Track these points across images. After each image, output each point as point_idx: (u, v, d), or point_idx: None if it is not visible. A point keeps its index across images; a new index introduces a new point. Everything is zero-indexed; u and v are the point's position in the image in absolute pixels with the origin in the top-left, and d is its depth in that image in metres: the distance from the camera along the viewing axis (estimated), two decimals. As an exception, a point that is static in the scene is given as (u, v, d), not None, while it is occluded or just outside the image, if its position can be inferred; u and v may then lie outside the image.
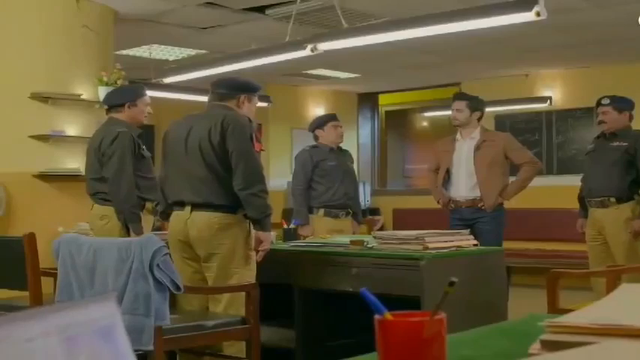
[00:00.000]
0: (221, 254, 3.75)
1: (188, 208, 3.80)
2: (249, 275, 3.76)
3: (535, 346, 1.11)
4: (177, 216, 3.85)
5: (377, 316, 0.98)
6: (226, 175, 3.76)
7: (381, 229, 9.94)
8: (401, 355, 0.96)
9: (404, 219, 10.55)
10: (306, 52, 4.64)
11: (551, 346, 1.09)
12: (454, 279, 0.98)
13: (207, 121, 3.85)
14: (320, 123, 5.88)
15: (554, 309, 3.24)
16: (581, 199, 5.70)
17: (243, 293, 3.60)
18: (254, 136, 3.87)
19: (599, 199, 5.45)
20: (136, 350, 2.87)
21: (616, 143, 5.45)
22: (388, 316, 0.98)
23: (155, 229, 4.84)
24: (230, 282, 3.74)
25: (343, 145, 6.09)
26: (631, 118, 5.57)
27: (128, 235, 4.40)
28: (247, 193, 3.69)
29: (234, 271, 3.75)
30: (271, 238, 3.93)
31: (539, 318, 1.24)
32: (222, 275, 3.77)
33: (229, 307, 3.73)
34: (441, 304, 0.97)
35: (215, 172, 3.77)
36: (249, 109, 4.00)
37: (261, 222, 3.76)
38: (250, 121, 3.93)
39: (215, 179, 3.77)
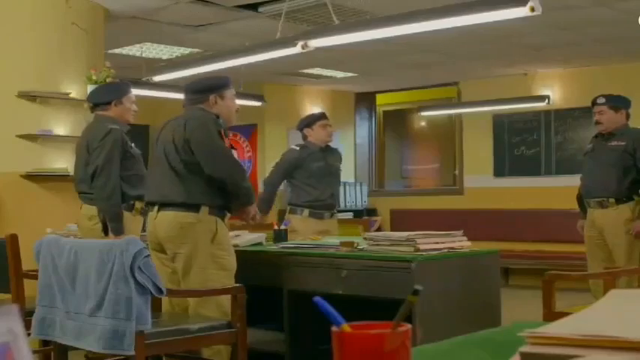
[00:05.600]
0: (184, 253, 3.73)
1: (156, 208, 3.83)
2: (222, 275, 3.69)
3: (514, 359, 1.02)
4: (149, 216, 3.90)
5: (334, 328, 0.88)
6: (189, 175, 3.77)
7: (379, 230, 9.86)
8: (360, 371, 0.87)
9: (402, 220, 10.48)
10: (296, 50, 4.56)
11: (531, 359, 1.00)
12: (418, 287, 0.88)
13: (175, 125, 3.89)
14: (309, 122, 5.79)
15: (551, 312, 3.16)
16: (580, 200, 5.62)
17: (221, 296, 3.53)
18: (222, 132, 3.83)
19: (598, 199, 5.37)
20: (117, 355, 2.76)
21: (614, 143, 5.37)
22: (346, 327, 0.88)
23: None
24: (194, 282, 3.68)
25: (341, 145, 6.00)
26: (628, 116, 5.47)
27: (107, 235, 4.31)
28: (230, 188, 3.78)
29: (199, 270, 3.70)
30: (253, 211, 3.97)
31: (522, 326, 1.14)
32: (186, 274, 3.73)
33: (199, 306, 3.68)
34: (404, 315, 0.88)
35: (177, 172, 3.78)
36: (223, 106, 3.97)
37: (247, 204, 3.90)
38: (217, 117, 3.90)
39: (177, 178, 3.78)
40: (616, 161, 5.31)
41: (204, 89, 3.98)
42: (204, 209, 3.73)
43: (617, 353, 0.92)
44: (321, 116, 5.85)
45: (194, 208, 3.73)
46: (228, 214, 3.89)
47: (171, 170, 3.78)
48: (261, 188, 8.55)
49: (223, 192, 3.82)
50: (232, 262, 3.78)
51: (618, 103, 5.45)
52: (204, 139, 3.76)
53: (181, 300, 3.85)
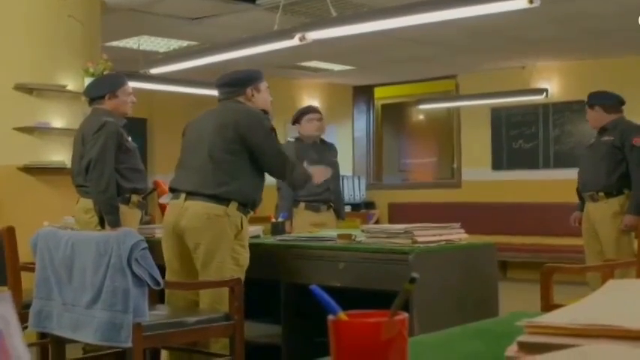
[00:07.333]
0: (205, 244, 3.69)
1: (183, 197, 3.78)
2: (236, 271, 3.67)
3: (512, 349, 1.01)
4: (173, 205, 3.84)
5: (330, 317, 0.88)
6: (226, 167, 3.74)
7: (377, 223, 9.86)
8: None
9: (400, 213, 10.47)
10: (294, 42, 4.54)
11: (529, 348, 0.99)
12: (415, 275, 0.87)
13: (219, 115, 3.87)
14: (296, 117, 5.79)
15: (548, 305, 3.16)
16: (579, 193, 5.66)
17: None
18: (274, 128, 3.89)
19: (590, 193, 5.43)
20: (114, 347, 2.75)
21: (605, 137, 5.42)
22: (342, 316, 0.88)
23: (144, 223, 4.76)
24: (213, 275, 3.66)
25: (336, 139, 5.96)
26: (611, 109, 5.46)
27: (103, 227, 4.29)
28: (285, 180, 4.08)
29: (218, 264, 3.68)
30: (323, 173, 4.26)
31: (519, 317, 1.14)
32: (205, 266, 3.71)
33: (215, 301, 3.65)
34: (401, 303, 0.87)
35: (215, 163, 3.75)
36: (260, 98, 3.98)
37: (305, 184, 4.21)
38: (266, 112, 3.94)
39: (212, 169, 3.74)
40: (605, 155, 5.35)
41: (240, 82, 3.96)
42: (234, 204, 3.72)
43: (615, 342, 0.92)
44: (307, 111, 5.83)
45: (224, 201, 3.71)
46: (251, 212, 3.88)
47: (210, 162, 3.75)
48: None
49: (254, 190, 3.84)
50: (247, 259, 3.78)
51: (592, 100, 5.53)
52: (259, 135, 3.79)
53: (190, 294, 3.83)
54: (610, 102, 5.48)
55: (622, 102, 5.52)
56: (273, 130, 3.85)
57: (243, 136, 3.75)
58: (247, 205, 3.79)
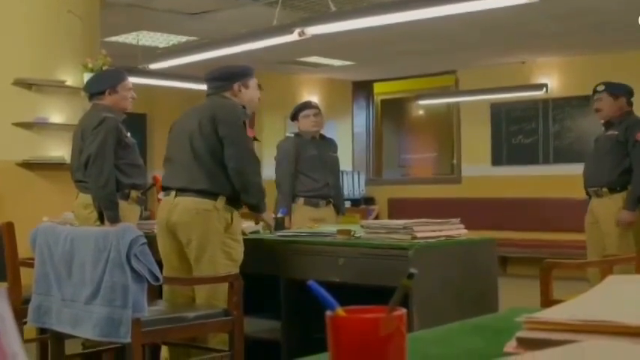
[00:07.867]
0: (196, 239, 3.72)
1: (173, 193, 3.80)
2: (229, 265, 3.68)
3: (511, 344, 1.01)
4: (164, 201, 3.87)
5: (328, 312, 0.87)
6: (211, 162, 3.76)
7: (376, 219, 9.86)
8: (355, 356, 0.86)
9: (399, 209, 10.47)
10: (293, 37, 4.54)
11: (528, 344, 0.99)
12: (413, 270, 0.87)
13: (201, 110, 3.88)
14: (293, 114, 5.80)
15: (548, 301, 3.16)
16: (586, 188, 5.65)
17: (227, 284, 3.51)
18: (247, 123, 3.85)
19: (594, 188, 5.40)
20: (113, 343, 2.74)
21: (610, 132, 5.38)
22: (340, 312, 0.87)
23: (143, 218, 4.76)
24: (205, 270, 3.68)
25: (335, 135, 5.96)
26: (630, 103, 5.43)
27: (102, 223, 4.30)
28: (241, 179, 3.74)
29: (210, 259, 3.69)
30: (269, 219, 4.07)
31: (519, 312, 1.13)
32: (197, 262, 3.73)
33: (212, 297, 3.65)
34: (399, 299, 0.86)
35: (199, 159, 3.77)
36: (247, 94, 3.98)
37: (259, 207, 3.87)
38: (244, 107, 3.92)
39: (200, 166, 3.76)
40: (608, 150, 5.31)
41: (228, 77, 3.96)
42: (222, 198, 3.73)
43: (614, 338, 0.91)
44: (303, 107, 5.84)
45: (212, 196, 3.72)
46: (242, 207, 3.88)
47: (195, 158, 3.77)
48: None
49: None
50: (241, 254, 3.79)
51: (617, 89, 5.43)
52: (231, 127, 3.77)
53: (186, 289, 3.83)
54: (630, 94, 5.46)
55: (633, 94, 5.50)
56: (244, 123, 3.83)
57: (216, 129, 3.77)
58: (236, 199, 3.80)
